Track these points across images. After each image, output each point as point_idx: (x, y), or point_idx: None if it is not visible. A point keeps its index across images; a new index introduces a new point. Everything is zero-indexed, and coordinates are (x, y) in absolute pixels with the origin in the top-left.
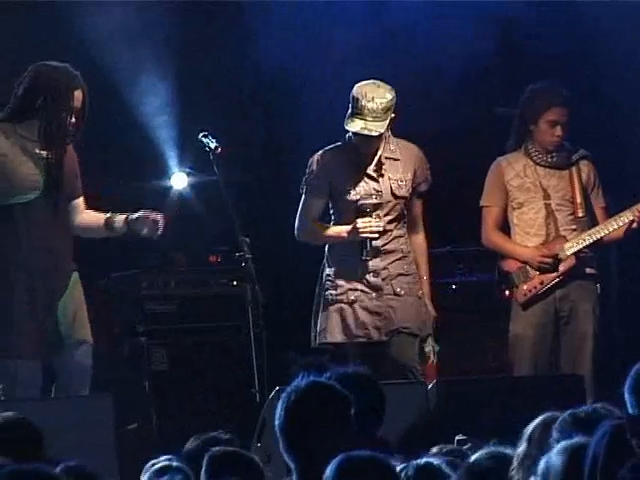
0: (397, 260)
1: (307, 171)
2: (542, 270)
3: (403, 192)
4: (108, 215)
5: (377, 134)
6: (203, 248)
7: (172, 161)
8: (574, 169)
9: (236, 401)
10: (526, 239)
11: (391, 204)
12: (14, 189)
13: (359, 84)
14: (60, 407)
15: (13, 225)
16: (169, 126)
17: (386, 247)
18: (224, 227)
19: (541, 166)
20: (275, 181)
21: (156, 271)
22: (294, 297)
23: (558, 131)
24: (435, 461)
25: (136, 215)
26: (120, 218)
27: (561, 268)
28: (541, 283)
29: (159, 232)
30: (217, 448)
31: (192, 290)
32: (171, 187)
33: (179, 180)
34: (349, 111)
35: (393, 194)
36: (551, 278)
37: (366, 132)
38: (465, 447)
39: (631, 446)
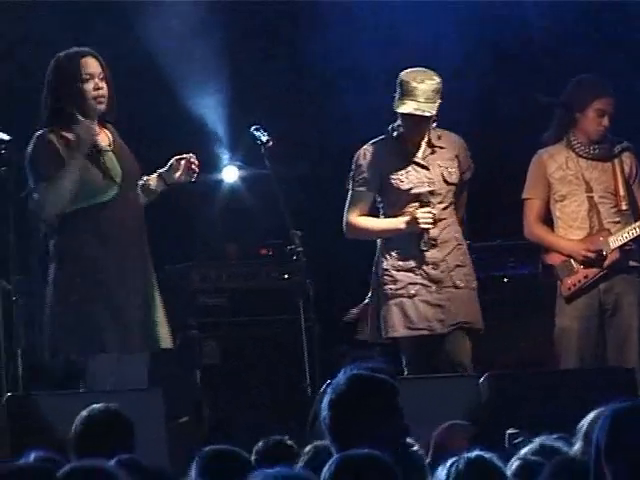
0: (453, 250)
1: (353, 167)
2: (586, 264)
3: (454, 179)
4: (141, 182)
5: (430, 114)
6: (254, 241)
7: (223, 154)
8: (616, 161)
9: (287, 395)
10: (569, 232)
11: (444, 191)
12: (92, 189)
13: (405, 71)
14: (111, 401)
15: (95, 224)
16: (221, 120)
17: (442, 236)
18: (275, 220)
19: (583, 158)
20: (329, 177)
21: (208, 264)
22: (346, 291)
23: (605, 121)
24: (486, 454)
25: (166, 167)
26: (153, 177)
27: (605, 262)
28: (585, 277)
29: (196, 174)
30: (208, 447)
31: (244, 283)
32: (222, 180)
33: (230, 173)
34: (397, 96)
35: (445, 181)
36: (595, 272)
37: (419, 112)
38: (516, 440)
39: (634, 430)
